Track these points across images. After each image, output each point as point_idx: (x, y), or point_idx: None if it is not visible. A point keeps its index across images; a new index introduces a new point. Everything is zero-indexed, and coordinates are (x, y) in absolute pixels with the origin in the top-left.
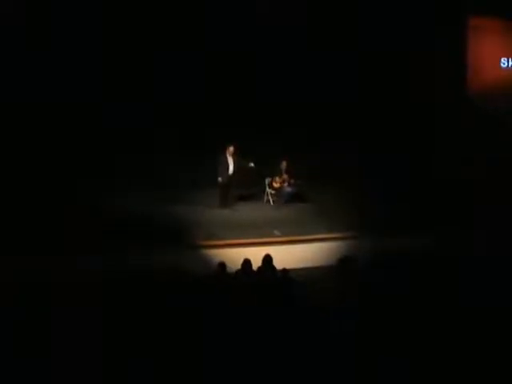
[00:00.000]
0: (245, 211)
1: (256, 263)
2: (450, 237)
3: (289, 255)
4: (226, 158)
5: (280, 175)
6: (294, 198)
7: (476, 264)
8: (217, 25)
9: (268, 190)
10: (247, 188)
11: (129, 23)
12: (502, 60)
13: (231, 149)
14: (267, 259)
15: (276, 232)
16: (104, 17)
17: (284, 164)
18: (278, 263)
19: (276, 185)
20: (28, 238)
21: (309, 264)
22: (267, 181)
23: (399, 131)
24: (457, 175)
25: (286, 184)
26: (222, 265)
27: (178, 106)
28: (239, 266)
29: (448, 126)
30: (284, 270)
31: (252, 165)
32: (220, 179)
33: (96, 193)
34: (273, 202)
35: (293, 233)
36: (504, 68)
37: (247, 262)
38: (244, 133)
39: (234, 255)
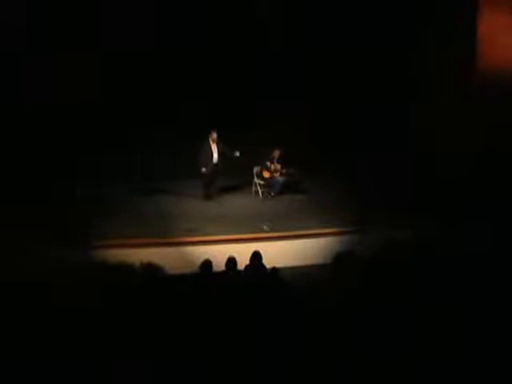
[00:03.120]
0: (231, 204)
1: (244, 261)
2: (450, 236)
3: (279, 252)
4: (210, 145)
5: (271, 164)
6: (287, 188)
7: (478, 262)
8: (217, 25)
9: (256, 180)
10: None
11: (128, 23)
12: None
13: (214, 135)
14: (256, 256)
15: (265, 227)
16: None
17: (277, 153)
18: (268, 261)
19: (266, 175)
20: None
21: (301, 262)
22: (255, 170)
23: (399, 131)
24: (462, 171)
25: (277, 174)
26: (208, 263)
27: (177, 104)
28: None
29: (455, 122)
30: (274, 269)
31: (238, 154)
32: (204, 169)
33: (86, 190)
34: (262, 193)
35: (284, 228)
36: None
37: (232, 261)
38: (244, 132)
39: (220, 252)
